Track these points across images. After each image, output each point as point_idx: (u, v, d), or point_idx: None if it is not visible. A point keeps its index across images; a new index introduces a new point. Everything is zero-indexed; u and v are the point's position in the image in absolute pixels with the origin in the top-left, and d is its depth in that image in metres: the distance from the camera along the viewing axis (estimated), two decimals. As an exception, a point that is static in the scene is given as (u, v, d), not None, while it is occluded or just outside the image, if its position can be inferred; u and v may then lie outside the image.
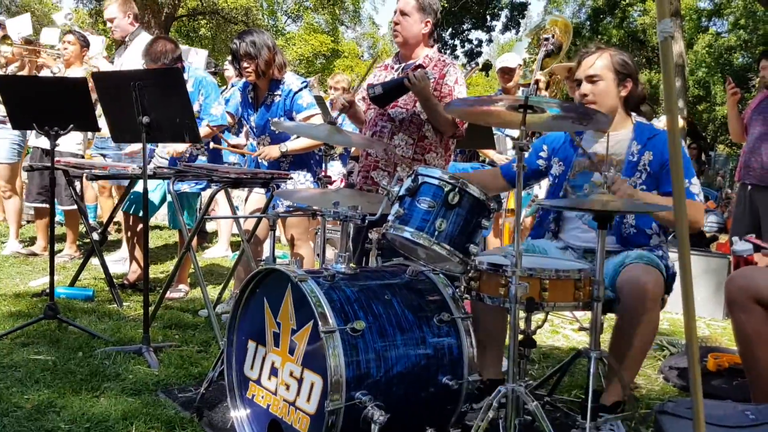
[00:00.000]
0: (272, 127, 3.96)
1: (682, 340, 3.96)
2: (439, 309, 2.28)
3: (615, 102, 2.74)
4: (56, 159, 3.79)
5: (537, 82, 4.82)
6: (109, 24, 5.25)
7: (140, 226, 4.49)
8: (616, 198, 2.24)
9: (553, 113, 2.17)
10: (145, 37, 5.24)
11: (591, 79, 2.73)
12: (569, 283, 2.18)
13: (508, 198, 5.24)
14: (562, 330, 4.23)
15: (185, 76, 4.39)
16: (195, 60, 6.40)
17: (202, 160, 4.52)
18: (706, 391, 2.32)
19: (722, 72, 25.23)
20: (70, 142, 5.46)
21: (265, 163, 4.02)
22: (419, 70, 3.36)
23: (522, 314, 2.12)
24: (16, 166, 5.94)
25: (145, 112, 3.19)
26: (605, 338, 2.56)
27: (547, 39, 4.82)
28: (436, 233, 2.19)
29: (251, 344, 2.38)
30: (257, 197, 4.22)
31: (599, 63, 2.73)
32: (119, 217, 5.00)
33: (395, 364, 2.10)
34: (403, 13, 3.43)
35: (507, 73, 5.57)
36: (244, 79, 4.08)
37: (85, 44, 5.57)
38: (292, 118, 3.98)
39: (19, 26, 6.10)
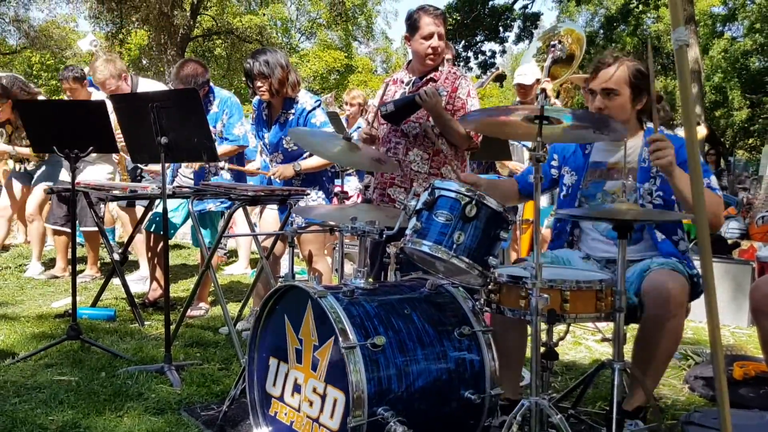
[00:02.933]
0: (288, 143, 3.98)
1: (707, 348, 3.90)
2: (460, 322, 2.27)
3: (629, 116, 2.73)
4: (78, 182, 3.84)
5: (544, 90, 4.76)
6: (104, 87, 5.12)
7: (161, 244, 4.53)
8: (636, 206, 2.22)
9: (568, 122, 2.16)
10: (145, 81, 5.33)
11: (607, 93, 2.70)
12: (590, 294, 2.16)
13: (524, 209, 5.20)
14: (585, 341, 4.18)
15: (211, 97, 4.44)
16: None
17: (226, 178, 4.55)
18: (733, 400, 2.28)
19: (738, 77, 25.02)
20: (101, 172, 5.49)
21: (278, 181, 4.04)
22: (429, 85, 3.37)
23: (543, 326, 2.11)
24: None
25: (163, 132, 3.22)
26: (628, 349, 2.53)
27: (553, 45, 4.78)
28: (455, 246, 2.19)
29: (273, 361, 2.38)
30: (272, 214, 4.24)
31: (617, 76, 2.68)
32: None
33: (417, 379, 2.09)
34: (441, 38, 3.45)
35: (523, 88, 5.50)
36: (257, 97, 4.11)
37: (82, 78, 5.57)
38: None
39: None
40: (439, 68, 3.49)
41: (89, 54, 6.95)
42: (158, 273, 4.71)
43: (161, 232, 4.48)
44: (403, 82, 3.58)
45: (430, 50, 3.42)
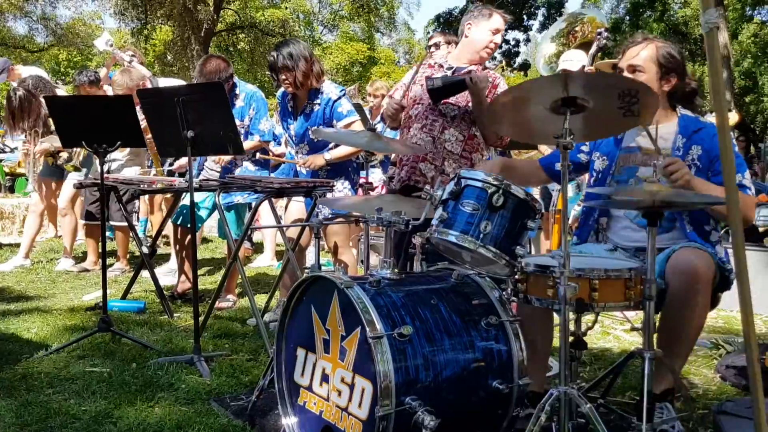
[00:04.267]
0: (312, 136, 4.00)
1: (738, 337, 3.84)
2: (487, 312, 2.25)
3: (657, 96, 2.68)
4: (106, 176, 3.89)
5: None
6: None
7: (189, 237, 4.58)
8: (666, 188, 2.18)
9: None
10: (164, 82, 5.45)
11: (632, 70, 2.67)
12: (619, 283, 2.13)
13: (558, 198, 5.14)
14: (613, 331, 4.15)
15: (237, 91, 4.47)
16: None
17: (251, 170, 4.58)
18: (766, 389, 2.25)
19: (769, 61, 24.49)
20: (134, 173, 5.57)
21: (304, 171, 4.06)
22: (476, 71, 3.42)
23: (572, 316, 2.09)
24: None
25: (189, 126, 3.25)
26: (658, 338, 2.50)
27: (600, 33, 4.66)
28: (482, 236, 2.18)
29: (300, 351, 2.39)
30: (298, 206, 4.26)
31: (643, 54, 2.67)
32: (167, 230, 5.10)
33: (444, 369, 2.09)
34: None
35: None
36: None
37: (97, 80, 5.79)
38: (331, 126, 4.01)
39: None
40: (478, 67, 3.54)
41: (105, 53, 7.09)
42: (186, 266, 4.76)
43: (189, 225, 4.54)
44: (442, 66, 3.60)
45: (492, 44, 3.52)
